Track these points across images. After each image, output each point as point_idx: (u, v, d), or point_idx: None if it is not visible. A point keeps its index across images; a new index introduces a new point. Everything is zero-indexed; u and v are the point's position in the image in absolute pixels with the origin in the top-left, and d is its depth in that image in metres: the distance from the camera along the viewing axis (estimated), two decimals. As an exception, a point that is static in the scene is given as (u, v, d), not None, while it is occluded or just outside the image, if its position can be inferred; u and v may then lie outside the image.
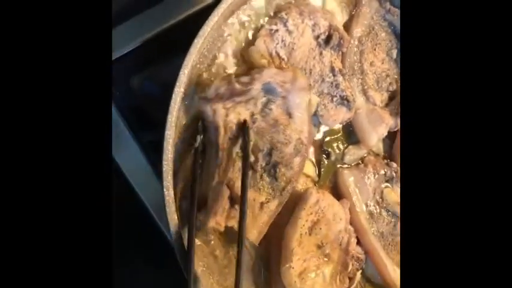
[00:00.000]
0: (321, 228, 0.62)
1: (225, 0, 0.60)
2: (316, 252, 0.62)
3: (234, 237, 0.59)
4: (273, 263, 0.62)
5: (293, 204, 0.63)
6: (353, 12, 0.71)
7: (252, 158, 0.59)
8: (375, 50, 0.71)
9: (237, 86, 0.58)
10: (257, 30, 0.65)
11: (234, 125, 0.59)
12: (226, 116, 0.58)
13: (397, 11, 0.71)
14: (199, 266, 0.60)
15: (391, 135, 0.72)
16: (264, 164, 0.60)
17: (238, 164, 0.58)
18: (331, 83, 0.67)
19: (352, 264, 0.65)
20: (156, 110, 0.70)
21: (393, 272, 0.67)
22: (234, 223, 0.58)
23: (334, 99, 0.67)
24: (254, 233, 0.60)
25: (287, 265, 0.59)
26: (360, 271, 0.66)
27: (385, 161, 0.71)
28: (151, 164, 0.71)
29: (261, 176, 0.60)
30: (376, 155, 0.72)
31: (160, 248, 0.65)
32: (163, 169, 0.56)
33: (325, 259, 0.63)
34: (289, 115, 0.61)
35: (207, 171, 0.59)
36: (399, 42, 0.72)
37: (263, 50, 0.63)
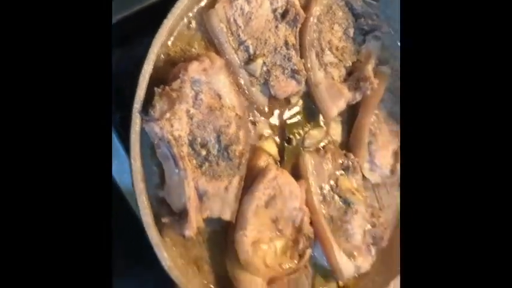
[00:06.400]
0: (276, 203, 0.66)
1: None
2: (270, 226, 0.66)
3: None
4: (230, 232, 0.65)
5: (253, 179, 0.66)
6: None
7: (203, 153, 0.62)
8: (332, 28, 0.76)
9: (173, 94, 0.59)
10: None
11: (180, 131, 0.61)
12: (172, 126, 0.60)
13: None
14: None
15: (350, 122, 0.78)
16: (216, 152, 0.63)
17: (193, 160, 0.62)
18: (284, 55, 0.70)
19: (303, 242, 0.68)
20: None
21: (339, 255, 0.71)
22: (207, 213, 0.62)
23: (286, 71, 0.71)
24: (227, 212, 0.63)
25: (241, 232, 0.63)
26: (310, 250, 0.69)
27: (343, 151, 0.76)
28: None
29: (217, 163, 0.63)
30: (335, 146, 0.77)
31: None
32: (131, 141, 0.59)
33: (278, 233, 0.66)
34: (219, 97, 0.64)
35: (171, 184, 0.61)
36: (356, 22, 0.78)
37: (222, 15, 0.66)
